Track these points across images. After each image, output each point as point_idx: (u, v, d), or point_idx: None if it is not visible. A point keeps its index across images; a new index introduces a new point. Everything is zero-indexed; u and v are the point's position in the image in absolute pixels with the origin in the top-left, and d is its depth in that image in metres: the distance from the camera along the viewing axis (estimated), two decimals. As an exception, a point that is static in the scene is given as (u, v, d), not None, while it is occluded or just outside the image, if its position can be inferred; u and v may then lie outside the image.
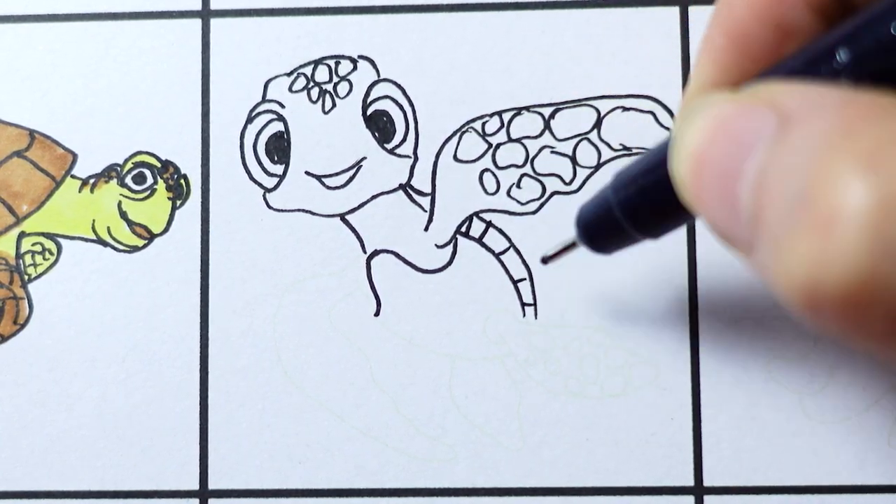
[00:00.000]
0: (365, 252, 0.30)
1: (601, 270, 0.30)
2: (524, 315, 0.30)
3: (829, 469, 0.29)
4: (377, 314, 0.30)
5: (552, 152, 0.30)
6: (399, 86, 0.31)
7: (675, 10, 0.31)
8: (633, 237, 0.24)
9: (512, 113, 0.31)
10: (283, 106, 0.31)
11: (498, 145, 0.30)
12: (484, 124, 0.31)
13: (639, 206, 0.23)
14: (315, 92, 0.31)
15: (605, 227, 0.25)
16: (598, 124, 0.30)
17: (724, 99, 0.16)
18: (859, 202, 0.13)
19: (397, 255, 0.30)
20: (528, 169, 0.30)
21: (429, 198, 0.30)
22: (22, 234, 0.31)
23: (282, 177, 0.31)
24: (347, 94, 0.31)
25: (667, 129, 0.30)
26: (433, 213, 0.30)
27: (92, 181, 0.31)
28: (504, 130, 0.30)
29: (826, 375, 0.29)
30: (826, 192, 0.13)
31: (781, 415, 0.29)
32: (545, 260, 0.28)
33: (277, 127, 0.31)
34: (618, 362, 0.30)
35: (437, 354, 0.30)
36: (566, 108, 0.30)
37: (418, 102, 0.31)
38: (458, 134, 0.31)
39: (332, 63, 0.31)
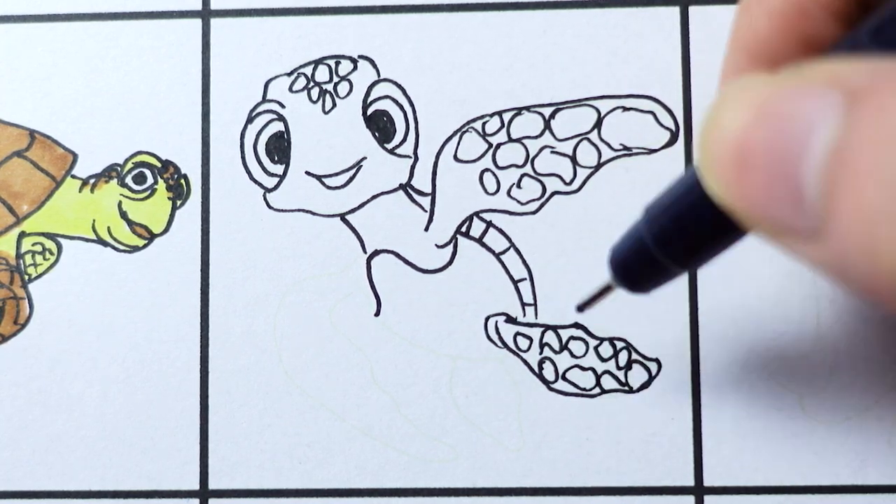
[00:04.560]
0: (365, 252, 0.30)
1: (601, 270, 0.30)
2: (524, 315, 0.30)
3: (829, 469, 0.29)
4: (377, 314, 0.30)
5: (552, 152, 0.30)
6: (399, 86, 0.31)
7: (675, 10, 0.31)
8: (671, 271, 0.23)
9: (512, 113, 0.31)
10: (283, 106, 0.31)
11: (498, 145, 0.30)
12: (484, 124, 0.31)
13: (674, 236, 0.22)
14: (315, 92, 0.31)
15: (640, 264, 0.23)
16: (598, 124, 0.30)
17: (765, 82, 0.15)
18: None
19: (397, 255, 0.30)
20: (528, 169, 0.30)
21: (429, 198, 0.30)
22: (22, 234, 0.31)
23: (282, 177, 0.31)
24: (348, 94, 0.31)
25: (667, 128, 0.30)
26: (433, 213, 0.30)
27: (92, 181, 0.31)
28: (504, 130, 0.30)
29: (826, 375, 0.29)
30: None
31: (781, 415, 0.29)
32: (580, 308, 0.27)
33: (278, 127, 0.31)
34: (618, 362, 0.30)
35: (437, 354, 0.30)
36: (566, 108, 0.30)
37: (418, 102, 0.31)
38: (459, 134, 0.31)
39: (332, 63, 0.31)
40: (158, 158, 0.31)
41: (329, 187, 0.30)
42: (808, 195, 0.14)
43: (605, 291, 0.25)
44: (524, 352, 0.30)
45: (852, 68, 0.14)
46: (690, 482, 0.29)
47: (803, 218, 0.15)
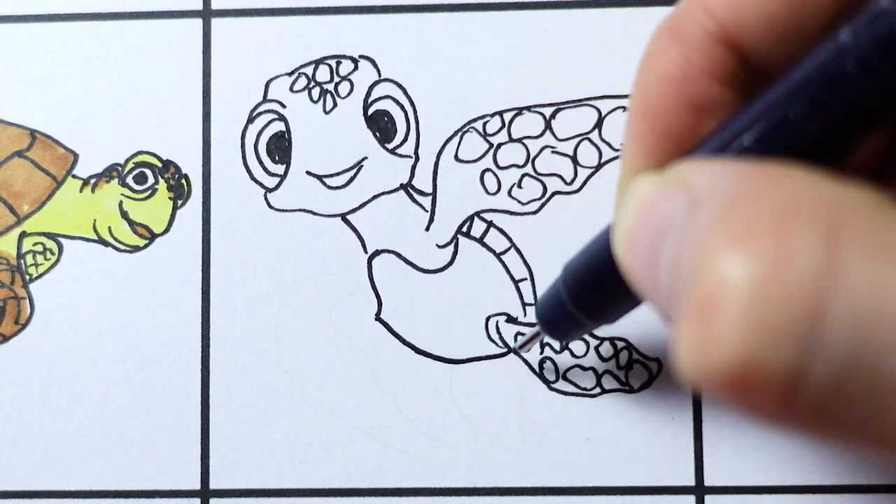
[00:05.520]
0: (366, 252, 0.30)
1: (602, 270, 0.30)
2: (525, 315, 0.30)
3: (829, 469, 0.29)
4: (378, 314, 0.30)
5: (553, 152, 0.30)
6: (400, 85, 0.31)
7: (675, 11, 0.31)
8: (588, 325, 0.25)
9: (513, 113, 0.31)
10: (284, 106, 0.31)
11: (499, 145, 0.31)
12: (485, 124, 0.31)
13: (588, 296, 0.24)
14: (316, 92, 0.31)
15: (561, 319, 0.25)
16: (599, 124, 0.30)
17: (646, 182, 0.17)
18: (733, 287, 0.13)
19: (398, 255, 0.30)
20: (529, 169, 0.30)
21: (430, 198, 0.31)
22: (23, 234, 0.31)
23: (283, 177, 0.31)
24: (348, 93, 0.31)
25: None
26: (434, 213, 0.30)
27: (93, 181, 0.31)
28: (505, 130, 0.31)
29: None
30: (704, 276, 0.14)
31: (782, 414, 0.29)
32: (516, 351, 0.29)
33: (278, 127, 0.31)
34: (619, 362, 0.30)
35: (437, 354, 0.30)
36: (567, 108, 0.31)
37: (419, 102, 0.31)
38: (460, 134, 0.31)
39: (333, 63, 0.31)
40: (159, 158, 0.31)
41: (330, 187, 0.31)
42: (663, 289, 0.16)
43: (537, 336, 0.28)
44: (524, 351, 0.30)
45: (698, 170, 0.16)
46: (690, 482, 0.29)
47: (665, 309, 0.16)
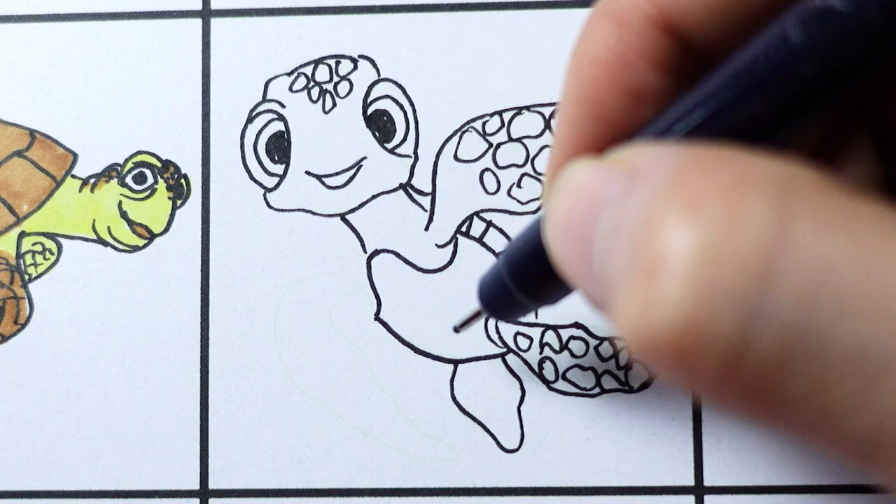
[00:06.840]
0: (365, 252, 0.30)
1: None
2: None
3: (829, 469, 0.29)
4: (378, 314, 0.30)
5: (552, 152, 0.30)
6: (399, 85, 0.31)
7: (675, 10, 0.31)
8: (528, 305, 0.24)
9: (512, 112, 0.31)
10: (283, 105, 0.31)
11: (498, 145, 0.31)
12: (484, 124, 0.31)
13: (527, 277, 0.23)
14: (315, 91, 0.31)
15: (502, 299, 0.25)
16: (598, 124, 0.30)
17: (583, 166, 0.17)
18: (681, 249, 0.13)
19: (398, 255, 0.30)
20: (528, 168, 0.30)
21: (429, 197, 0.31)
22: (22, 234, 0.31)
23: (282, 176, 0.31)
24: (348, 93, 0.31)
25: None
26: (433, 213, 0.30)
27: (92, 181, 0.31)
28: (504, 130, 0.31)
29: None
30: (651, 241, 0.13)
31: (782, 414, 0.29)
32: (457, 329, 0.28)
33: (278, 126, 0.31)
34: (618, 362, 0.30)
35: (437, 354, 0.30)
36: (566, 107, 0.30)
37: (419, 102, 0.31)
38: (459, 133, 0.31)
39: (332, 63, 0.31)
40: (158, 158, 0.31)
41: (329, 187, 0.31)
42: (596, 271, 0.15)
43: (477, 316, 0.27)
44: (524, 351, 0.30)
45: (640, 151, 0.15)
46: (690, 482, 0.29)
47: (595, 291, 0.16)
